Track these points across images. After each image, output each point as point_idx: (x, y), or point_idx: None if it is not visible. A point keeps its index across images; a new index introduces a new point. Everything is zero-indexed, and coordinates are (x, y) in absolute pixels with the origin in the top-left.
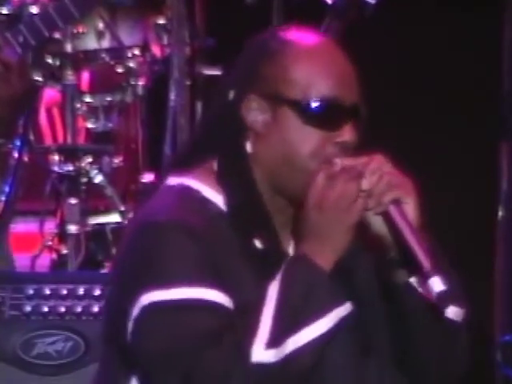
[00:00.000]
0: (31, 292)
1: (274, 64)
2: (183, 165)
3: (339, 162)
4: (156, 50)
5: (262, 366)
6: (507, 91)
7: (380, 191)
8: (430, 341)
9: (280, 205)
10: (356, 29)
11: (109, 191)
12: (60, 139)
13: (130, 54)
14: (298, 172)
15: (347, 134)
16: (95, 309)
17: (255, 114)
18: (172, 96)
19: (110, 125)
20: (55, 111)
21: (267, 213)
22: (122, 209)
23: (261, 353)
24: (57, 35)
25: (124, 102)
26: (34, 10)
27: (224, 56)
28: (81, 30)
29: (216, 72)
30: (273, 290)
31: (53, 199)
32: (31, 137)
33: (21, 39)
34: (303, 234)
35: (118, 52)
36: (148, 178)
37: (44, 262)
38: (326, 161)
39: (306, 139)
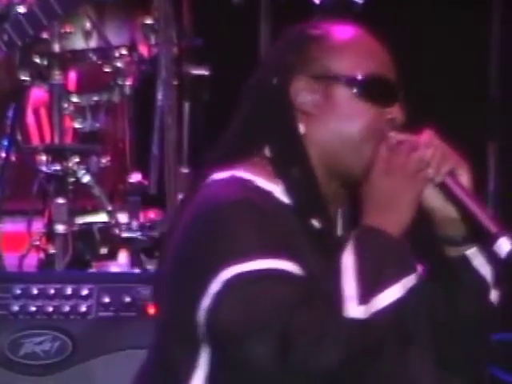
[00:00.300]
0: (18, 292)
1: (321, 46)
2: (228, 159)
3: (394, 136)
4: (143, 49)
5: (355, 322)
6: (495, 91)
7: (438, 162)
8: (481, 320)
9: (333, 189)
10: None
11: (96, 191)
12: (47, 139)
13: (117, 54)
14: (352, 149)
15: (398, 111)
16: (83, 308)
17: (304, 95)
18: (159, 96)
19: (98, 125)
20: (42, 111)
21: (325, 196)
22: (110, 208)
23: (354, 309)
24: (44, 35)
25: (111, 102)
26: (21, 9)
27: (211, 56)
28: (68, 30)
29: (203, 72)
30: (347, 258)
31: (40, 199)
32: (18, 137)
33: (6, 38)
34: (371, 205)
35: (105, 52)
36: (135, 177)
37: (31, 261)
38: (380, 136)
39: (359, 114)
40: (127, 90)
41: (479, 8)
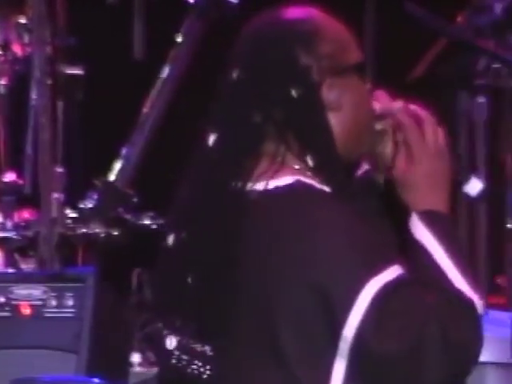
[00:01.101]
0: None
1: (326, 41)
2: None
3: (399, 106)
4: (17, 49)
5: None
6: None
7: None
8: None
9: None
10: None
11: None
12: None
13: None
14: (366, 131)
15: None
16: None
17: (330, 94)
18: (33, 95)
19: None
20: None
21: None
22: None
23: (479, 305)
24: None
25: None
26: None
27: (85, 55)
28: None
29: (77, 71)
30: (436, 249)
31: None
32: None
33: None
34: (426, 188)
35: None
36: (10, 177)
37: None
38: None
39: (366, 97)
40: (1, 90)
41: (353, 9)
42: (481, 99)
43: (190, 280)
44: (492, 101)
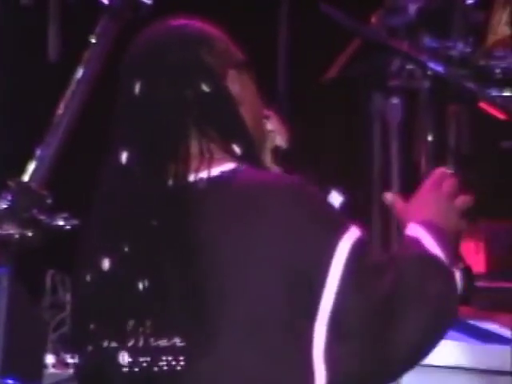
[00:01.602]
0: None
1: (220, 44)
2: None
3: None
4: None
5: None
6: (283, 91)
7: None
8: None
9: None
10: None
11: None
12: None
13: None
14: (262, 122)
15: None
16: None
17: (234, 87)
18: None
19: None
20: None
21: None
22: None
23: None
24: None
25: None
26: None
27: None
28: None
29: None
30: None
31: None
32: None
33: None
34: (433, 210)
35: None
36: None
37: None
38: None
39: (255, 93)
40: None
41: (267, 5)
42: (395, 100)
43: (141, 287)
44: (406, 102)
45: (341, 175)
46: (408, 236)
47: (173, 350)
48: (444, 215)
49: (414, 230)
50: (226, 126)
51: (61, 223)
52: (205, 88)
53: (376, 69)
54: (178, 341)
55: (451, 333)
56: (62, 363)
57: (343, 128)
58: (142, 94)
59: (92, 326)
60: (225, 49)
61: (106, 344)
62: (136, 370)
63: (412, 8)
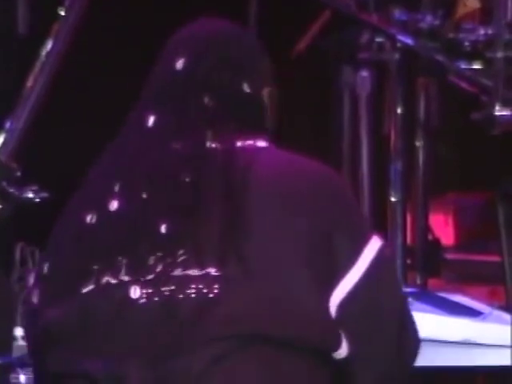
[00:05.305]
0: None
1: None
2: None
3: None
4: None
5: None
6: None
7: None
8: None
9: None
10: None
11: None
12: None
13: None
14: None
15: None
16: None
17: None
18: None
19: None
20: None
21: None
22: None
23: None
24: None
25: None
26: None
27: None
28: None
29: None
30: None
31: None
32: None
33: None
34: None
35: None
36: None
37: None
38: None
39: None
40: None
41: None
42: (364, 73)
43: (163, 229)
44: (375, 75)
45: (311, 148)
46: None
47: (205, 279)
48: None
49: None
50: (259, 115)
51: (30, 196)
52: (246, 88)
53: (345, 42)
54: (212, 270)
55: (421, 305)
56: None
57: (312, 101)
58: (183, 71)
59: (94, 266)
60: (269, 67)
61: (113, 281)
62: (156, 299)
63: None
